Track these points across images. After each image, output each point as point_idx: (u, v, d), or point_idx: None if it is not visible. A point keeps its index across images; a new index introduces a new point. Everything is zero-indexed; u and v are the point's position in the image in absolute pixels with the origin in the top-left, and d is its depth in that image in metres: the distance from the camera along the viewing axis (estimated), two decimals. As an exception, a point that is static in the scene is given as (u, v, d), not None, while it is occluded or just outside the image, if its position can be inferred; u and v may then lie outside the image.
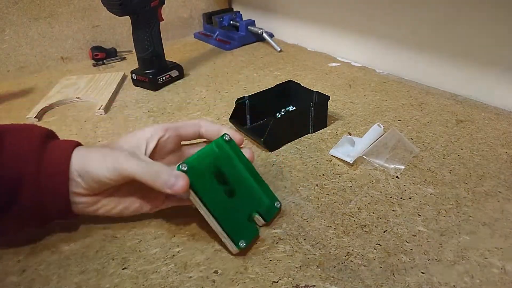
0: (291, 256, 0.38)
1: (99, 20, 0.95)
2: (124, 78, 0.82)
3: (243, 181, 0.40)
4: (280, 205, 0.42)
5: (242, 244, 0.37)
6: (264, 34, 0.97)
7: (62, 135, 0.61)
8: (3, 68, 0.86)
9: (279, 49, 0.93)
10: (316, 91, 0.59)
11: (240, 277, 0.36)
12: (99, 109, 0.68)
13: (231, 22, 1.04)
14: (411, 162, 0.50)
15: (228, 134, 0.41)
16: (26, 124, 0.40)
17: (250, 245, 0.39)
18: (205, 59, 0.91)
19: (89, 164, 0.37)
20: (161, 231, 0.42)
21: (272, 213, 0.41)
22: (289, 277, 0.36)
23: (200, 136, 0.44)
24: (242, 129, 0.59)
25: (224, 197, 0.38)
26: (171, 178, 0.35)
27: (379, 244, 0.39)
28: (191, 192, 0.36)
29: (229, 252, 0.38)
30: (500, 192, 0.45)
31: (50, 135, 0.41)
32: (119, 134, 0.61)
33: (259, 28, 0.98)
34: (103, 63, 0.92)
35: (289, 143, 0.56)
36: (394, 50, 0.77)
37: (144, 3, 0.70)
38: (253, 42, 1.00)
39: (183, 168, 0.36)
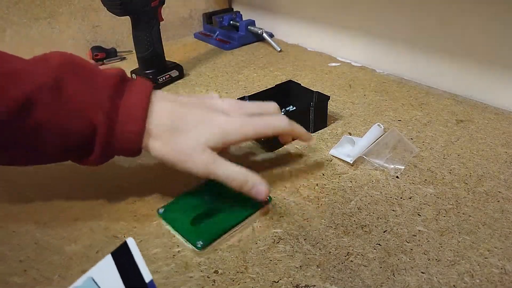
0: (291, 256, 0.38)
1: (99, 20, 0.95)
2: (124, 78, 0.82)
3: (223, 201, 0.43)
4: (269, 198, 0.43)
5: (199, 243, 0.38)
6: (264, 34, 0.97)
7: (63, 135, 0.62)
8: (4, 68, 0.86)
9: (279, 49, 0.93)
10: (316, 91, 0.59)
11: (240, 277, 0.36)
12: (99, 109, 0.68)
13: (231, 22, 1.04)
14: (411, 162, 0.51)
15: None
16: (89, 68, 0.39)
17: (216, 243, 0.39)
18: (205, 59, 0.91)
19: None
20: (162, 231, 0.42)
21: (252, 209, 0.42)
22: (289, 277, 0.36)
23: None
24: (242, 129, 0.59)
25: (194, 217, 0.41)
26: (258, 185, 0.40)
27: (379, 244, 0.39)
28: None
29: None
30: (500, 192, 0.45)
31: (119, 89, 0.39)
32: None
33: (259, 28, 0.98)
34: (103, 63, 0.92)
35: (289, 143, 0.56)
36: (394, 50, 0.77)
37: (144, 3, 0.70)
38: (253, 42, 1.00)
39: (160, 211, 0.43)
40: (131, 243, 0.27)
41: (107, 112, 0.37)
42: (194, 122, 0.39)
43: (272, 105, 0.47)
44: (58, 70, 0.36)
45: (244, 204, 0.42)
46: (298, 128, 0.47)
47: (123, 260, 0.27)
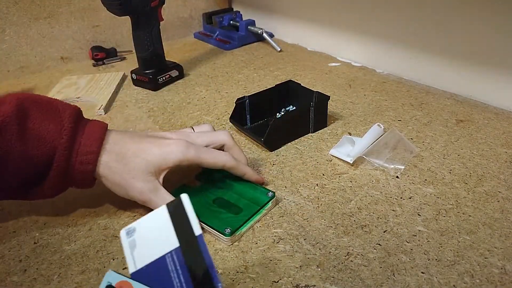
0: (291, 256, 0.38)
1: (99, 20, 0.95)
2: (124, 78, 0.82)
3: (231, 190, 0.45)
4: (273, 193, 0.44)
5: (227, 230, 0.39)
6: (264, 34, 0.97)
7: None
8: (4, 68, 0.86)
9: (279, 49, 0.93)
10: (316, 91, 0.59)
11: (240, 277, 0.36)
12: (99, 109, 0.68)
13: (231, 22, 1.04)
14: (411, 162, 0.50)
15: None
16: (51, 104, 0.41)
17: (242, 234, 0.40)
18: (205, 59, 0.91)
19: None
20: (162, 231, 0.42)
21: (262, 201, 0.43)
22: (289, 277, 0.36)
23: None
24: (242, 129, 0.59)
25: (211, 205, 0.43)
26: None
27: (379, 244, 0.39)
28: None
29: (228, 251, 0.38)
30: (500, 192, 0.45)
31: (79, 120, 0.42)
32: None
33: (259, 28, 0.98)
34: (103, 63, 0.92)
35: (289, 143, 0.56)
36: (394, 50, 0.77)
37: (144, 3, 0.70)
38: (253, 42, 1.00)
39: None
40: (185, 199, 0.28)
41: (67, 138, 0.39)
42: (137, 150, 0.41)
43: (223, 135, 0.46)
44: (20, 104, 0.38)
45: (251, 197, 0.43)
46: (243, 167, 0.45)
47: (176, 212, 0.28)
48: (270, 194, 0.43)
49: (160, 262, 0.27)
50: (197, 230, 0.27)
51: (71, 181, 0.41)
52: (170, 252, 0.27)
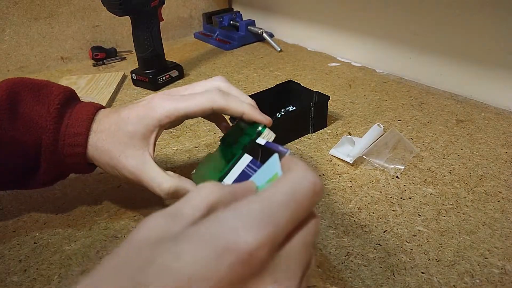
0: (292, 256, 0.38)
1: (99, 20, 0.95)
2: (124, 78, 0.82)
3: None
4: (263, 127, 0.36)
5: None
6: (264, 34, 0.97)
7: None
8: (3, 68, 0.86)
9: (279, 49, 0.93)
10: (316, 91, 0.59)
11: (240, 277, 0.36)
12: (99, 109, 0.68)
13: (231, 22, 1.04)
14: (411, 162, 0.51)
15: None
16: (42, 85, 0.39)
17: None
18: (205, 59, 0.91)
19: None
20: (162, 231, 0.42)
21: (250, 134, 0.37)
22: (289, 277, 0.36)
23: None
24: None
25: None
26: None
27: (379, 244, 0.39)
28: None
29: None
30: (500, 192, 0.45)
31: (68, 101, 0.39)
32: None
33: (259, 28, 0.98)
34: (103, 63, 0.92)
35: (289, 143, 0.56)
36: (394, 50, 0.77)
37: (144, 3, 0.70)
38: (253, 42, 1.00)
39: (193, 172, 0.40)
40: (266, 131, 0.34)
41: (52, 119, 0.37)
42: (118, 121, 0.37)
43: (216, 80, 0.42)
44: (12, 88, 0.37)
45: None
46: (238, 105, 0.38)
47: (253, 148, 0.32)
48: (260, 128, 0.34)
49: (242, 176, 0.31)
50: (260, 141, 0.32)
51: (66, 167, 0.39)
52: (247, 165, 0.31)
